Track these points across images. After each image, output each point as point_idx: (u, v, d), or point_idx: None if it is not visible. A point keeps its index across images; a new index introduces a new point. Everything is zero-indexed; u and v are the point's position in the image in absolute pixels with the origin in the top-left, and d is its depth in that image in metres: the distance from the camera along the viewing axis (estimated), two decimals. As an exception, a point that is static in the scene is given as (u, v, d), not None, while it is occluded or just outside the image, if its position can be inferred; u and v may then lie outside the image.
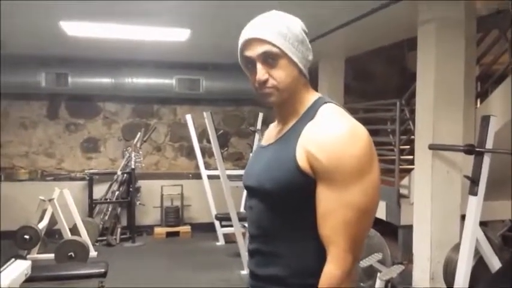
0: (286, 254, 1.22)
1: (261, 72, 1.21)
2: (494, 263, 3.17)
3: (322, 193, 1.14)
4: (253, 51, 1.22)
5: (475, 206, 3.06)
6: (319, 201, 1.15)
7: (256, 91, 1.26)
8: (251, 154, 1.29)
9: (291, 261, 1.21)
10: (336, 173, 1.12)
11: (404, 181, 4.39)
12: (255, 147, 6.02)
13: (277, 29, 1.21)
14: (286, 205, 1.21)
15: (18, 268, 2.70)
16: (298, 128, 1.22)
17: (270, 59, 1.21)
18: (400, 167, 4.40)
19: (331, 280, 1.13)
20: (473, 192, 3.06)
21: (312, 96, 1.29)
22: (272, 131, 1.37)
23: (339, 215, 1.12)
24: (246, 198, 1.42)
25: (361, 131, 1.18)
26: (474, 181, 3.05)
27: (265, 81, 1.22)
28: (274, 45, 1.20)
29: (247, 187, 1.35)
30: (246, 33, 1.25)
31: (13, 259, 2.76)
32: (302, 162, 1.16)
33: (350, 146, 1.13)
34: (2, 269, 2.55)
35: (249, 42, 1.23)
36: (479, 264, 3.20)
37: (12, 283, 2.51)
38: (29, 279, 2.90)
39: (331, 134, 1.14)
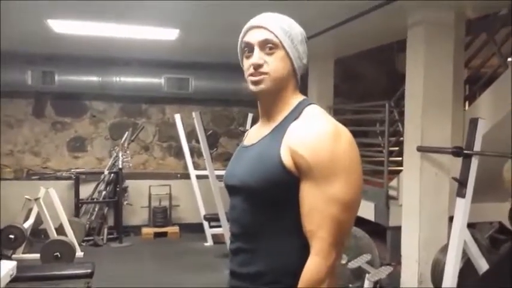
0: (269, 251, 1.23)
1: (258, 56, 1.26)
2: (482, 265, 3.19)
3: (306, 190, 1.16)
4: (254, 37, 1.28)
5: (462, 207, 3.08)
6: (303, 198, 1.17)
7: (248, 78, 1.29)
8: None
9: (273, 259, 1.23)
10: (319, 170, 1.15)
11: (393, 183, 4.42)
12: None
13: (280, 24, 1.28)
14: (269, 203, 1.22)
15: (4, 268, 2.65)
16: (282, 128, 1.25)
17: (269, 47, 1.26)
18: (389, 168, 4.42)
19: (315, 272, 1.14)
20: (461, 194, 3.08)
21: (297, 98, 1.32)
22: (255, 132, 1.39)
23: (323, 211, 1.14)
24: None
25: (344, 130, 1.22)
26: (462, 183, 3.08)
27: (260, 66, 1.26)
28: (275, 36, 1.26)
29: (229, 187, 1.36)
30: (250, 22, 1.31)
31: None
32: (287, 160, 1.19)
33: (333, 144, 1.16)
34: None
35: (252, 30, 1.30)
36: (467, 265, 3.22)
37: None
38: (14, 280, 2.86)
39: (315, 132, 1.18)
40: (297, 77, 1.32)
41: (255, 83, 1.27)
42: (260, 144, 1.29)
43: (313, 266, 1.15)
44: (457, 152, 3.21)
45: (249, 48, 1.29)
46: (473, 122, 3.15)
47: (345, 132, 1.21)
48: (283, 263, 1.22)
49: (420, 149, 3.59)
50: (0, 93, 5.93)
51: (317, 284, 1.14)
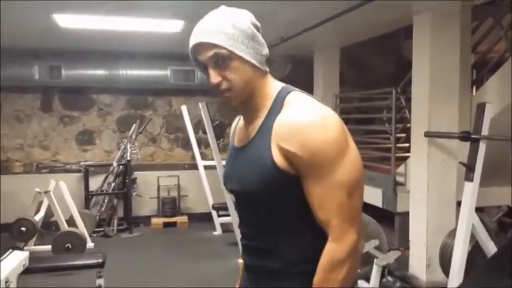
0: (280, 247, 1.23)
1: (213, 76, 1.20)
2: (490, 248, 3.20)
3: (312, 185, 1.15)
4: (203, 56, 1.21)
5: (470, 191, 3.09)
6: (308, 193, 1.16)
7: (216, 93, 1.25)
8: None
9: (284, 253, 1.22)
10: (316, 163, 1.12)
11: (401, 169, 4.42)
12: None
13: (224, 30, 1.18)
14: (272, 204, 1.21)
15: (16, 259, 2.68)
16: (268, 125, 1.20)
17: (220, 61, 1.19)
18: (396, 155, 4.43)
19: (333, 256, 1.14)
20: (469, 178, 3.09)
21: (274, 88, 1.25)
22: (242, 130, 1.33)
23: (332, 199, 1.13)
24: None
25: (330, 114, 1.17)
26: (470, 167, 3.08)
27: (220, 84, 1.20)
28: (222, 47, 1.17)
29: (230, 190, 1.34)
30: (193, 38, 1.22)
31: (11, 250, 2.74)
32: (280, 161, 1.16)
33: (324, 132, 1.12)
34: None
35: (198, 47, 1.21)
36: (475, 249, 3.24)
37: (10, 274, 2.49)
38: (26, 271, 2.88)
39: (301, 126, 1.13)
40: (264, 69, 1.24)
41: (223, 101, 1.23)
42: (250, 146, 1.25)
43: (331, 250, 1.14)
44: (464, 136, 3.22)
45: (202, 66, 1.24)
46: (481, 107, 3.15)
47: (331, 116, 1.16)
48: (295, 255, 1.22)
49: (428, 134, 3.59)
50: (0, 88, 5.96)
51: (337, 267, 1.14)
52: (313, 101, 1.20)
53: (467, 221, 3.08)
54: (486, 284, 2.80)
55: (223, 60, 1.18)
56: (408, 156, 4.25)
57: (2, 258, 2.61)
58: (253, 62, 1.20)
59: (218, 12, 1.22)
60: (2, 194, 5.77)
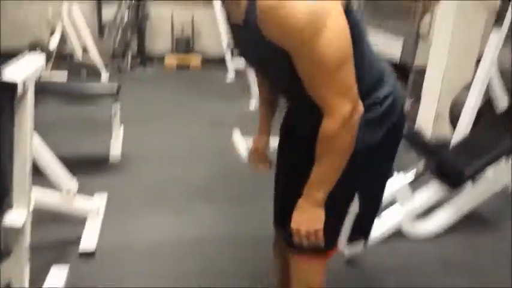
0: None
1: None
2: (502, 105, 3.16)
3: (298, 64, 1.13)
4: None
5: (496, 40, 2.95)
6: (300, 73, 1.14)
7: None
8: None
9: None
10: (295, 45, 1.08)
11: (426, 19, 4.22)
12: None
13: None
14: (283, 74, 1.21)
15: (33, 61, 2.48)
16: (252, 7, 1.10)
17: None
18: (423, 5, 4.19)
19: (326, 130, 1.16)
20: (498, 24, 2.92)
21: None
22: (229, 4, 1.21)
23: (319, 76, 1.12)
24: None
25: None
26: (501, 14, 2.90)
27: None
28: None
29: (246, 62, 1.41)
30: None
31: (27, 50, 2.55)
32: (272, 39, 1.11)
33: (294, 16, 1.04)
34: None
35: None
36: (486, 107, 3.20)
37: (28, 78, 2.38)
38: (42, 91, 2.70)
39: (274, 9, 1.05)
40: None
41: None
42: (245, 27, 1.18)
43: (324, 125, 1.16)
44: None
45: None
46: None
47: None
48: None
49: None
50: None
51: (330, 139, 1.16)
52: None
53: (487, 71, 2.99)
54: (490, 138, 2.81)
55: None
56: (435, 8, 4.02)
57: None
58: None
59: None
60: (11, 20, 5.64)
